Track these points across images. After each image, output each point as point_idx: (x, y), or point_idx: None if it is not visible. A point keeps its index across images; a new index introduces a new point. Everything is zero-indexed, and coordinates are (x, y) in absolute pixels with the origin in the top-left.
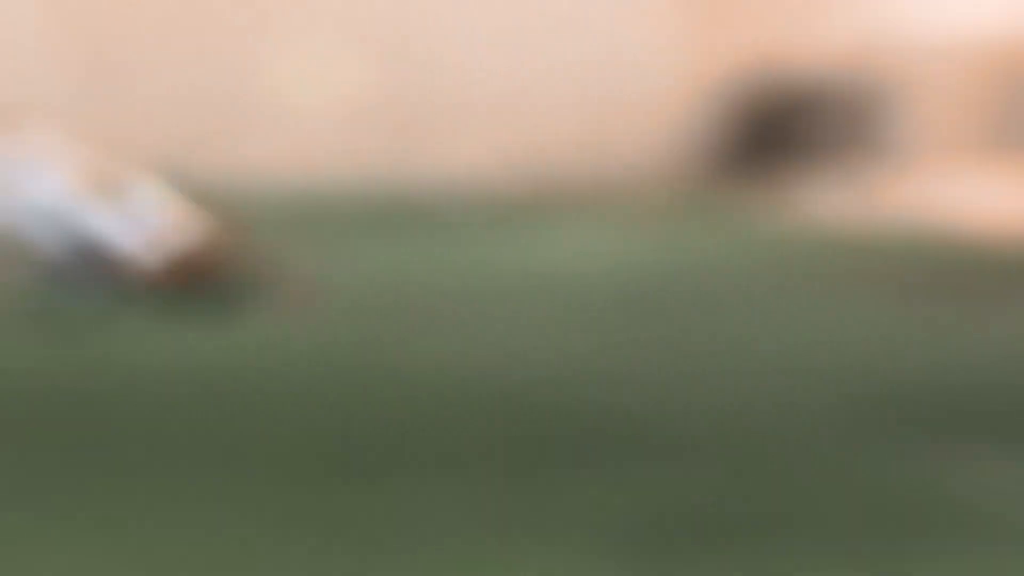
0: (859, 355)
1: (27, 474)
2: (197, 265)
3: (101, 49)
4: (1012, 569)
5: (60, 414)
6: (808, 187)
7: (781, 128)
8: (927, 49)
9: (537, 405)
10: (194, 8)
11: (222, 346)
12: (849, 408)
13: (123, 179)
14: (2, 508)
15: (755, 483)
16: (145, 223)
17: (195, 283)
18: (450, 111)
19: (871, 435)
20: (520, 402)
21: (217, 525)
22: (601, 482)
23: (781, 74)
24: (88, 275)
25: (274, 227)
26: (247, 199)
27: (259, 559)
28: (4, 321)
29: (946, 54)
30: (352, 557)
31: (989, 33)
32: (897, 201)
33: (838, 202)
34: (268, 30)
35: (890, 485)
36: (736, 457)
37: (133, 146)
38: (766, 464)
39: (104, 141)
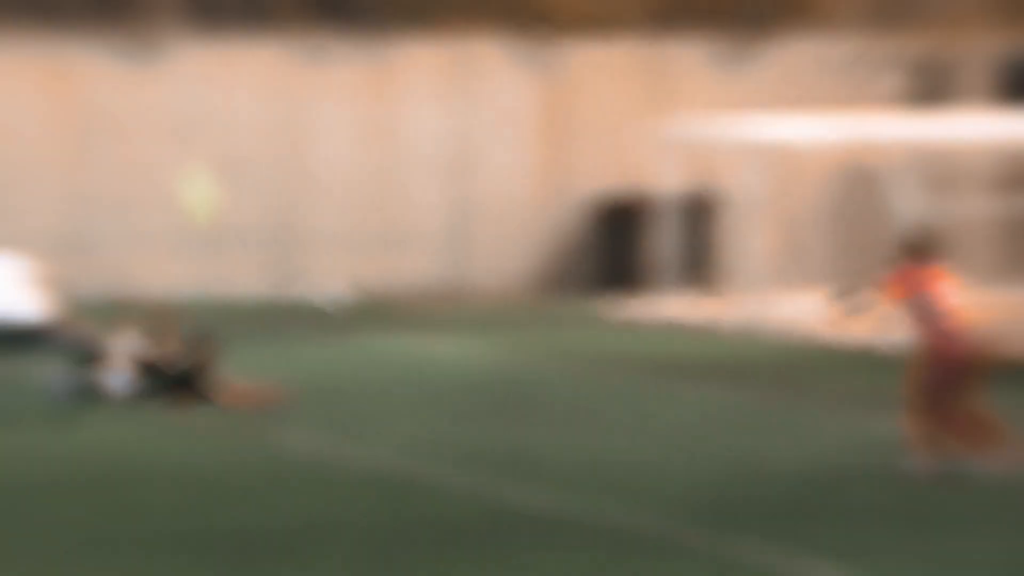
0: (676, 435)
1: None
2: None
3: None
4: None
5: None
6: (646, 298)
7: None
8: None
9: (402, 485)
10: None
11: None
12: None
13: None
14: None
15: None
16: None
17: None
18: (329, 240)
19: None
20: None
21: None
22: (468, 563)
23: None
24: None
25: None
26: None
27: None
28: None
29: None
30: None
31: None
32: (720, 310)
33: (670, 310)
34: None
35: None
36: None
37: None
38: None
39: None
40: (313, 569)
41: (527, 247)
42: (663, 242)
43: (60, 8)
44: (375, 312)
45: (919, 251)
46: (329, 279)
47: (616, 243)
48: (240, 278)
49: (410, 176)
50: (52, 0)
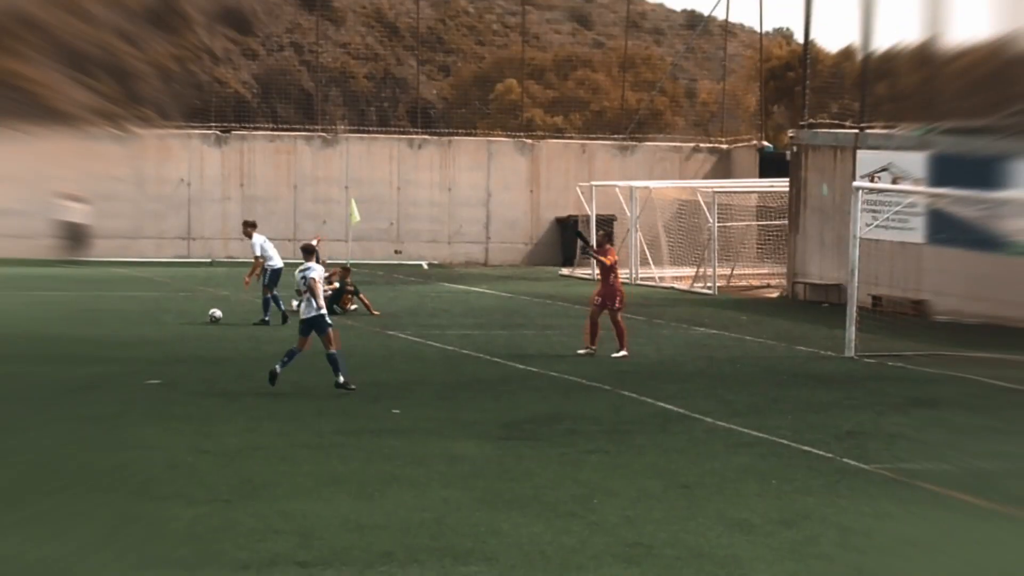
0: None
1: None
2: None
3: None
4: None
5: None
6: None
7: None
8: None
9: (456, 359)
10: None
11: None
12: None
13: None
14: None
15: (564, 403)
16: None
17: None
18: (419, 236)
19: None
20: (450, 358)
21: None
22: (483, 401)
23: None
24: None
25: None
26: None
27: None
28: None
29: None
30: (374, 439)
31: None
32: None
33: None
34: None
35: None
36: (550, 388)
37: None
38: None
39: None
40: (413, 403)
41: (520, 242)
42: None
43: (287, 120)
44: (442, 273)
45: (605, 241)
46: (420, 255)
47: (564, 239)
48: (377, 253)
49: (460, 206)
50: (283, 116)
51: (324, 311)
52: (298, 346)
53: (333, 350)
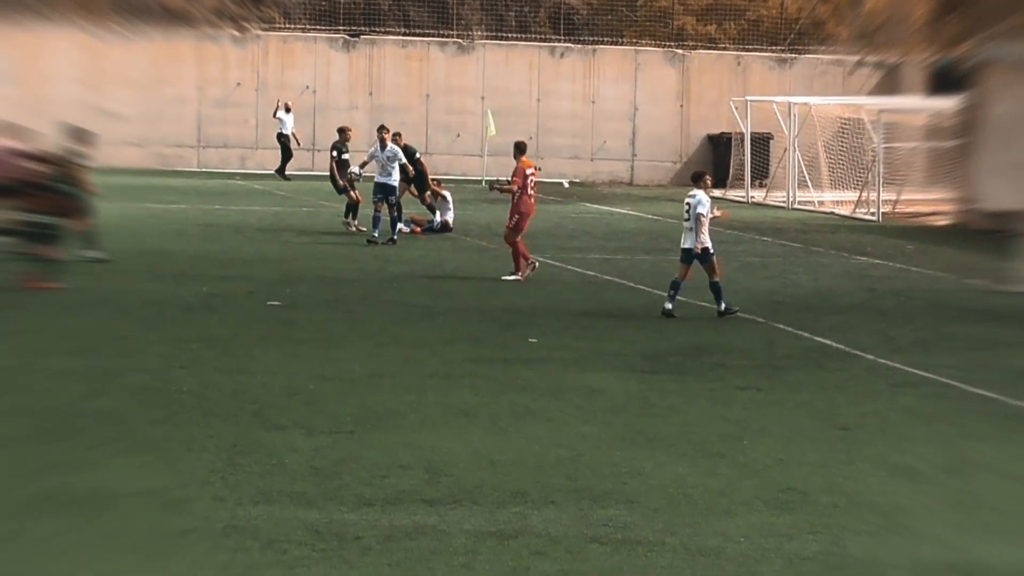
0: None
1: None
2: None
3: None
4: None
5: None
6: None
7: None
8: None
9: (597, 285)
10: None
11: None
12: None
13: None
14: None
15: (713, 335)
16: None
17: None
18: (560, 152)
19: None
20: (590, 284)
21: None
22: (625, 331)
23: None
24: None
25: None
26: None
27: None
28: None
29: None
30: (507, 369)
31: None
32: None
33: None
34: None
35: None
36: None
37: None
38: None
39: None
40: (549, 331)
41: (668, 160)
42: (741, 158)
43: (420, 25)
44: (584, 192)
45: (522, 152)
46: (560, 172)
47: (716, 158)
48: (511, 170)
49: (603, 121)
50: (416, 20)
51: (708, 244)
52: (679, 275)
53: (717, 279)
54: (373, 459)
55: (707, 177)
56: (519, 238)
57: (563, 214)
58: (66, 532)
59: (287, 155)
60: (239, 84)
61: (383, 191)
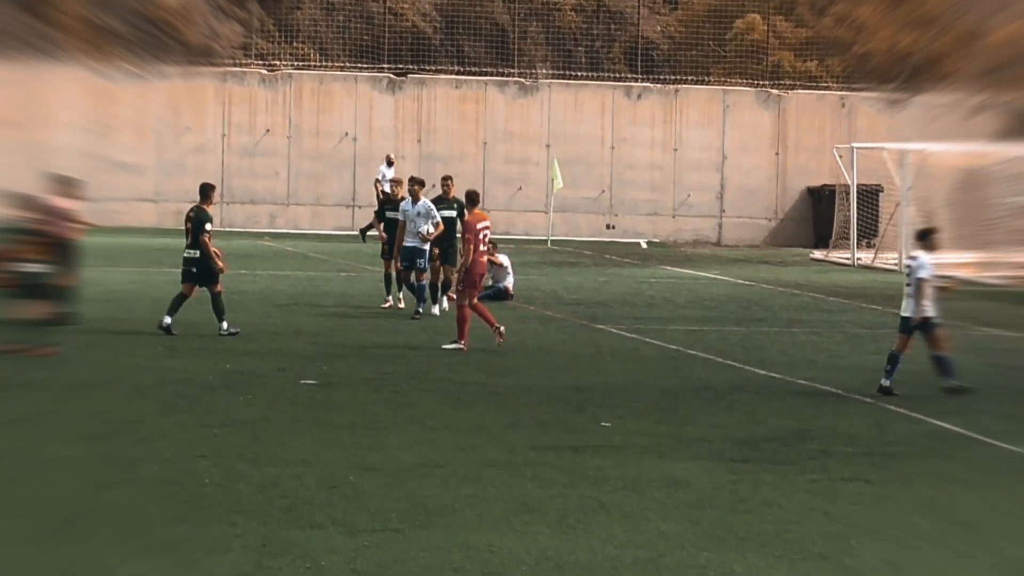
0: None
1: None
2: None
3: None
4: None
5: None
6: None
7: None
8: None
9: (680, 361)
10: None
11: None
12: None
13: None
14: None
15: (814, 418)
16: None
17: None
18: (637, 207)
19: None
20: (672, 359)
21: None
22: (713, 414)
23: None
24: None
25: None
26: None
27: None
28: None
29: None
30: (577, 457)
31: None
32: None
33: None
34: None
35: None
36: (790, 402)
37: None
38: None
39: None
40: (626, 414)
41: (762, 217)
42: (846, 214)
43: (476, 62)
44: (665, 253)
45: (474, 204)
46: (637, 231)
47: (817, 214)
48: (583, 228)
49: (687, 172)
50: (471, 56)
51: (930, 313)
52: (897, 347)
53: (942, 352)
54: (423, 562)
55: (935, 235)
56: (468, 301)
57: (640, 279)
58: None
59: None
60: (268, 131)
61: (410, 257)
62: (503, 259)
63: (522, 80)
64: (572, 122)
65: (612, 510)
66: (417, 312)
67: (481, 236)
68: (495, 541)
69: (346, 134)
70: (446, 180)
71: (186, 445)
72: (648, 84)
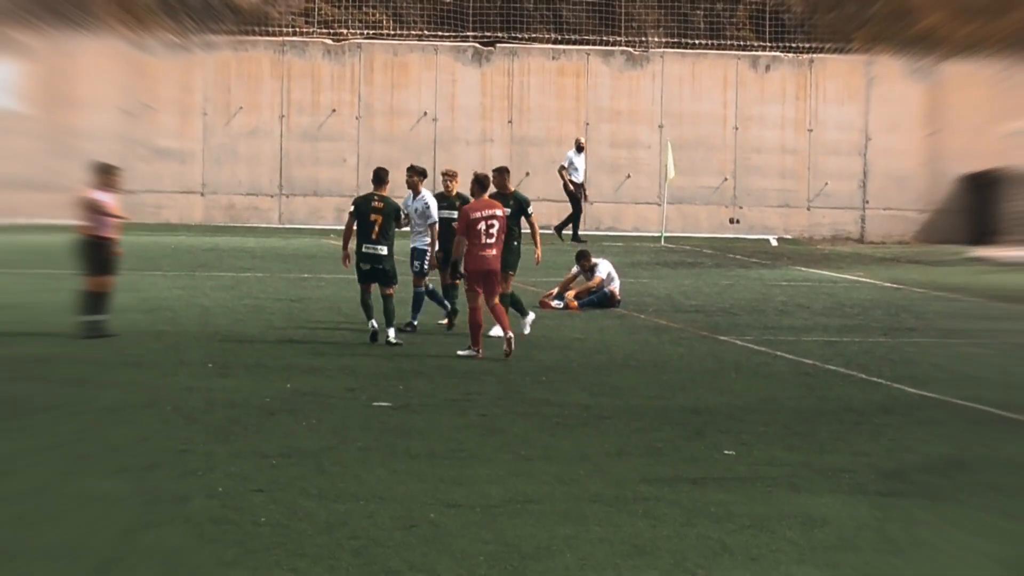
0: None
1: None
2: None
3: None
4: None
5: None
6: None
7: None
8: None
9: (817, 377)
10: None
11: None
12: None
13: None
14: None
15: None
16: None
17: None
18: (764, 198)
19: None
20: (807, 376)
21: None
22: (856, 440)
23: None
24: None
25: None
26: None
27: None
28: None
29: None
30: (696, 491)
31: None
32: None
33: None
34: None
35: None
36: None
37: None
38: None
39: None
40: (753, 439)
41: (912, 208)
42: (1011, 206)
43: (576, 29)
44: (799, 252)
45: (483, 189)
46: (765, 226)
47: (977, 204)
48: (703, 223)
49: (824, 156)
50: (570, 22)
51: None
52: None
53: None
54: None
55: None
56: (482, 303)
57: (770, 282)
58: None
59: (577, 209)
60: (334, 111)
61: (419, 258)
62: (602, 265)
63: (630, 49)
64: (689, 99)
65: (737, 553)
66: (409, 324)
67: (481, 227)
68: None
69: (424, 114)
70: (448, 176)
71: (240, 478)
72: (778, 54)
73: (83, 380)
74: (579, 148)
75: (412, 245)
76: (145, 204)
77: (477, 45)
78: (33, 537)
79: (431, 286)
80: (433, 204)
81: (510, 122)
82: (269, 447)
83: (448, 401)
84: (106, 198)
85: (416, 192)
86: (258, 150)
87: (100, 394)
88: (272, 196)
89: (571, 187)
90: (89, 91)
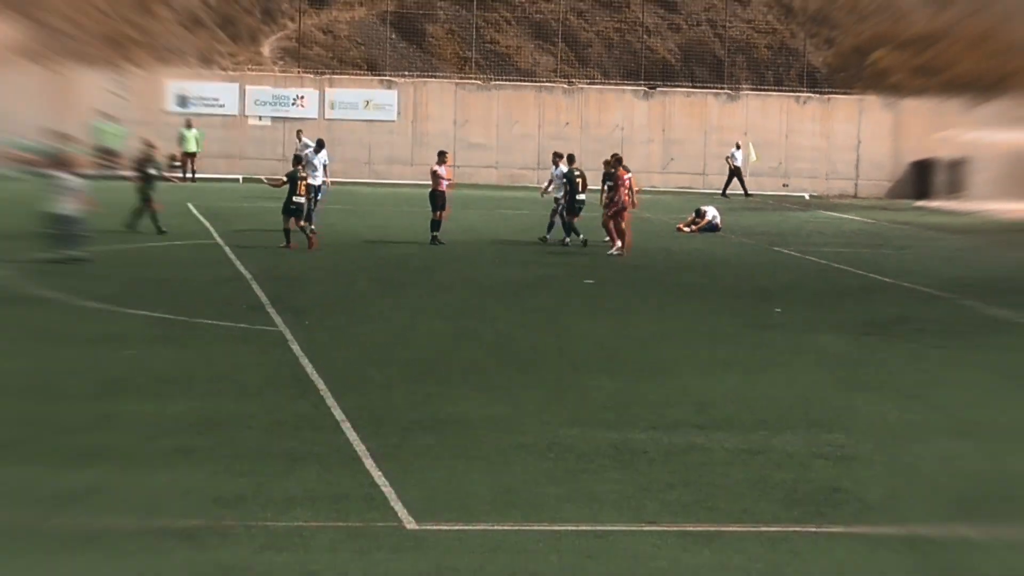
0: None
1: None
2: None
3: None
4: None
5: None
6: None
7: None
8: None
9: (827, 271)
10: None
11: None
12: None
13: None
14: None
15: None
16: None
17: None
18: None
19: None
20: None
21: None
22: (847, 304)
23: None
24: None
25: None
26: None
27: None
28: None
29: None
30: (758, 332)
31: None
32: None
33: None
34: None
35: None
36: None
37: None
38: None
39: None
40: (791, 304)
41: (884, 180)
42: (938, 179)
43: (701, 80)
44: (820, 203)
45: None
46: (802, 188)
47: (918, 178)
48: (767, 186)
49: (835, 151)
50: (698, 77)
51: None
52: None
53: None
54: (657, 397)
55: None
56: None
57: (804, 219)
58: (433, 447)
59: (734, 178)
60: (567, 123)
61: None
62: (709, 210)
63: (730, 92)
64: (761, 119)
65: (779, 365)
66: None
67: (627, 182)
68: (703, 384)
69: (617, 126)
70: (570, 158)
71: (510, 323)
72: (811, 95)
73: (428, 268)
74: (738, 146)
75: (554, 196)
76: (464, 173)
77: (646, 88)
78: (398, 355)
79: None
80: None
81: (663, 131)
82: (526, 306)
83: (622, 282)
84: (441, 170)
85: (556, 165)
86: (525, 145)
87: (436, 276)
88: (532, 169)
89: (731, 166)
90: (434, 111)
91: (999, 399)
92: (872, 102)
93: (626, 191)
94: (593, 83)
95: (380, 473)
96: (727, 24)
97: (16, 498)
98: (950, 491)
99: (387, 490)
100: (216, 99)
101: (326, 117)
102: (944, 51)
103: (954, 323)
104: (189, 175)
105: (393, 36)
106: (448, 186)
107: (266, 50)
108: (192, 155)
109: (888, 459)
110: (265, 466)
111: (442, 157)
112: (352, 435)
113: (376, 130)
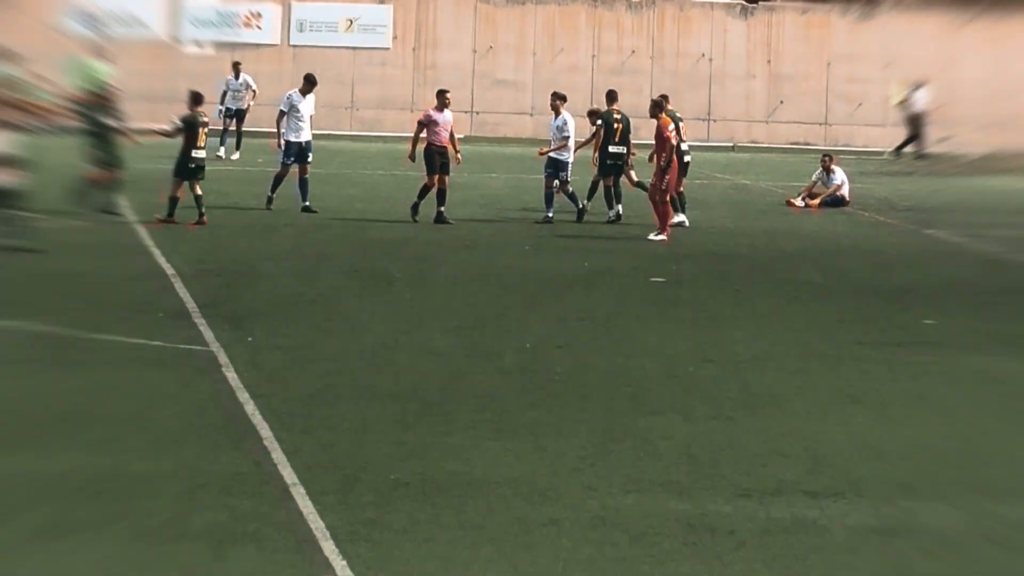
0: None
1: None
2: None
3: None
4: None
5: None
6: None
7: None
8: None
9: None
10: None
11: None
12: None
13: None
14: None
15: None
16: None
17: None
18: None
19: None
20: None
21: None
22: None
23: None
24: None
25: None
26: None
27: None
28: None
29: None
30: (899, 352)
31: None
32: None
33: None
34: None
35: None
36: None
37: None
38: None
39: None
40: (948, 312)
41: None
42: None
43: None
44: (990, 164)
45: (660, 109)
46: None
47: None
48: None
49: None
50: None
51: None
52: None
53: None
54: (753, 447)
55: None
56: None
57: (970, 189)
58: (424, 523)
59: (915, 133)
60: (634, 52)
61: (553, 166)
62: (838, 173)
63: (862, 8)
64: (905, 47)
65: (931, 402)
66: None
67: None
68: (820, 428)
69: (703, 55)
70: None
71: (544, 337)
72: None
73: (428, 258)
74: (917, 86)
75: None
76: (486, 122)
77: (744, 3)
78: (379, 383)
79: (571, 189)
80: (571, 122)
81: (768, 63)
82: (568, 312)
83: (708, 278)
84: (441, 116)
85: (557, 113)
86: (575, 82)
87: (440, 269)
88: (581, 116)
89: (909, 114)
90: (445, 34)
91: None
92: None
93: (667, 153)
94: None
95: (345, 563)
96: None
97: None
98: None
99: None
100: (136, 18)
101: (291, 43)
102: None
103: None
104: None
105: None
106: (450, 140)
107: None
108: None
109: None
110: (180, 550)
111: (442, 98)
112: (307, 505)
113: (363, 61)
